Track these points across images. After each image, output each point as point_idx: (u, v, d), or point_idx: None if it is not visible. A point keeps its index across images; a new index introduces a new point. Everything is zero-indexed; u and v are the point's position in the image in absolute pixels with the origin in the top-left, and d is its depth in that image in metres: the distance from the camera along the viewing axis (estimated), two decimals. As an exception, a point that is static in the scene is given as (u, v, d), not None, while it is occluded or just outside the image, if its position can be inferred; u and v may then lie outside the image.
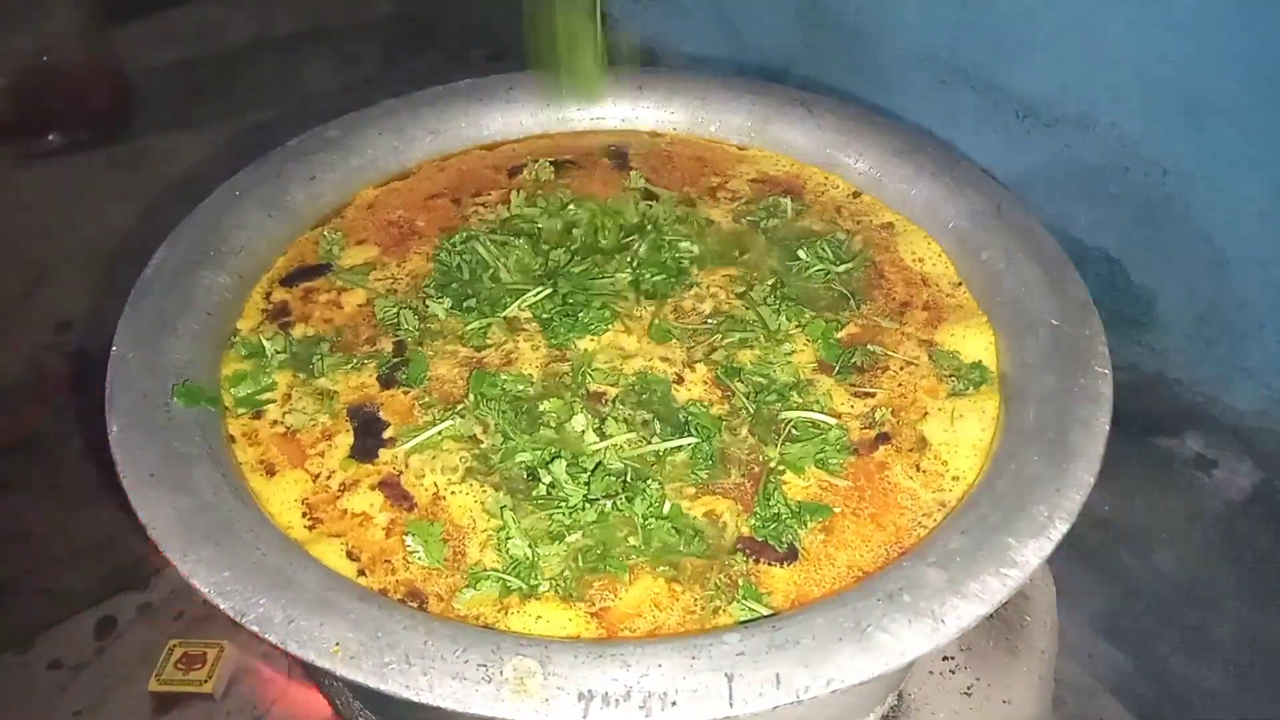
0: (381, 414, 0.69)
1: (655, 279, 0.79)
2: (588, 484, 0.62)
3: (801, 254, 0.80)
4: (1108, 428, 0.59)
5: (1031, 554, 0.52)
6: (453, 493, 0.64)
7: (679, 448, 0.65)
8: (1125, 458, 1.14)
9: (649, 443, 0.66)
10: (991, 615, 0.82)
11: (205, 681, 1.06)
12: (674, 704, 0.45)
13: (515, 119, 0.90)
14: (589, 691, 0.46)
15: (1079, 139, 1.02)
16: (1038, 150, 1.07)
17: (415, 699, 0.46)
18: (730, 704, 0.45)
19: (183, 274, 0.70)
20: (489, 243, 0.79)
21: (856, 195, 0.87)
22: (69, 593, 1.19)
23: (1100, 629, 1.25)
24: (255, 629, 0.49)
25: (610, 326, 0.75)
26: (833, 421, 0.68)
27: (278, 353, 0.71)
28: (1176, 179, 0.95)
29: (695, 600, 0.57)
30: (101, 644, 1.12)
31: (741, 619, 0.55)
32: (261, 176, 0.80)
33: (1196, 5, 0.87)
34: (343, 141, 0.83)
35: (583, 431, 0.66)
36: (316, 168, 0.81)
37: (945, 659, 0.80)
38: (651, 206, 0.84)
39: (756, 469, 0.66)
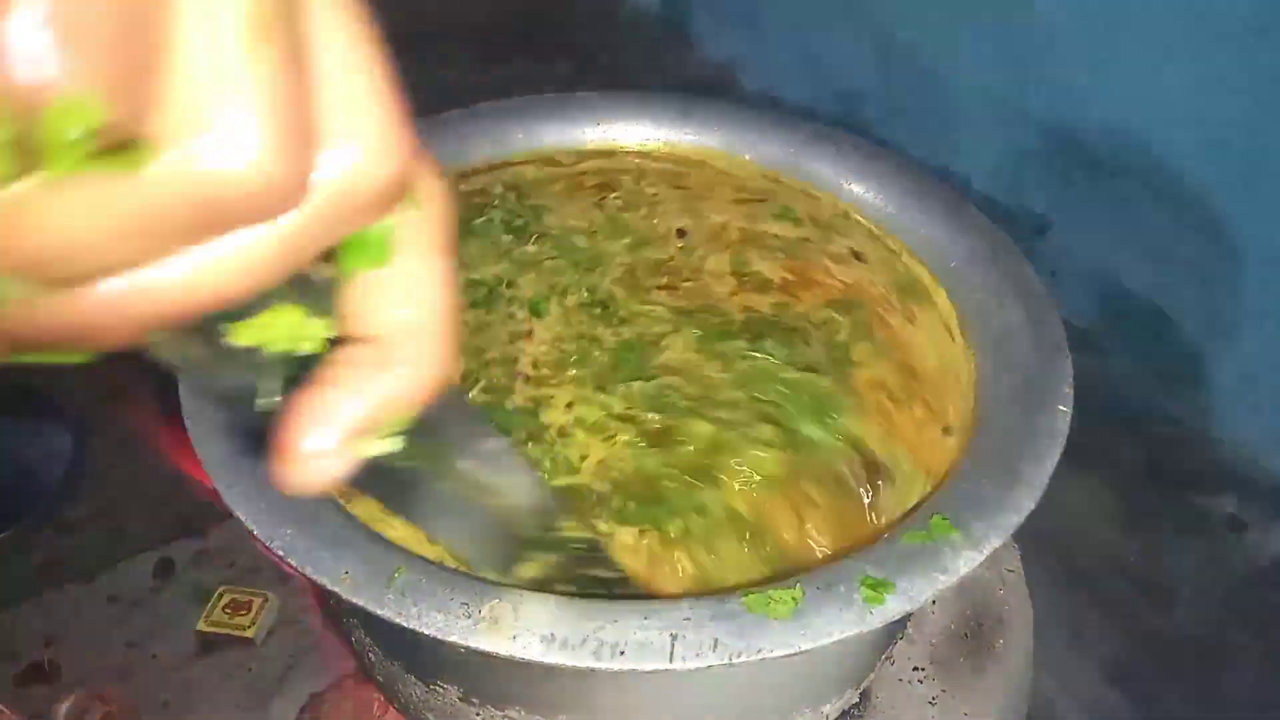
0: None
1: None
2: None
3: None
4: (1056, 461, 0.65)
5: (962, 563, 0.58)
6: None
7: None
8: (1157, 511, 1.18)
9: None
10: (966, 635, 0.88)
11: (248, 628, 1.15)
12: (622, 653, 0.53)
13: (570, 136, 0.98)
14: (551, 634, 0.53)
15: (1140, 192, 1.06)
16: (1099, 200, 1.11)
17: (404, 624, 0.54)
18: (670, 659, 0.52)
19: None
20: None
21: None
22: (134, 534, 1.29)
23: (1110, 677, 1.28)
24: (280, 554, 0.57)
25: None
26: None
27: None
28: (1234, 240, 0.98)
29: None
30: (157, 584, 1.21)
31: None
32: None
33: (1260, 68, 0.91)
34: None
35: None
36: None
37: (915, 669, 0.85)
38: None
39: None
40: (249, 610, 1.16)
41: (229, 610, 1.16)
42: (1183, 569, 1.18)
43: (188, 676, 1.12)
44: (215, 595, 1.17)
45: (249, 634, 1.14)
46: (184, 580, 1.22)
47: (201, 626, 1.15)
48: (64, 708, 1.05)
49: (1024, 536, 1.09)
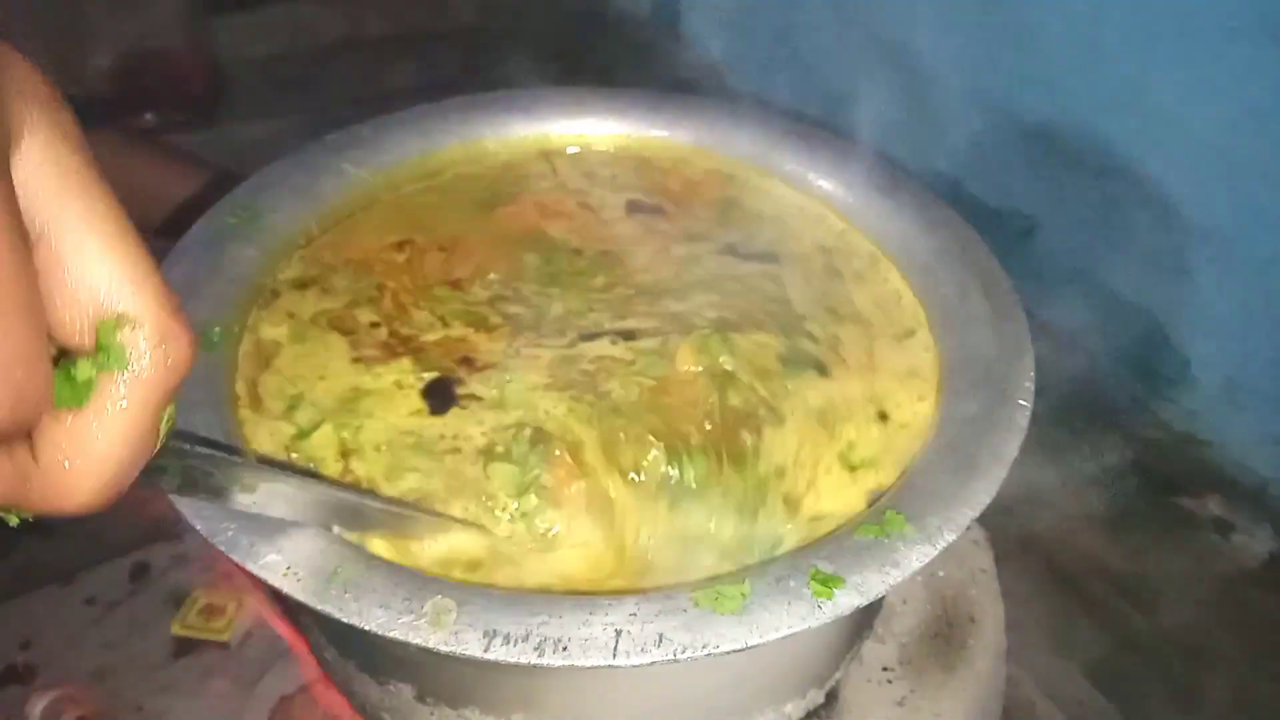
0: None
1: None
2: None
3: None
4: (1015, 454, 0.64)
5: (915, 558, 0.57)
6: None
7: None
8: (1143, 513, 1.17)
9: None
10: (936, 634, 0.87)
11: (223, 631, 1.14)
12: (564, 649, 0.52)
13: (537, 130, 0.98)
14: (493, 630, 0.52)
15: (1124, 193, 1.04)
16: (1084, 199, 1.10)
17: (346, 620, 0.53)
18: (614, 655, 0.52)
19: (214, 244, 0.79)
20: None
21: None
22: (111, 537, 1.28)
23: (1094, 678, 1.27)
24: (223, 549, 0.56)
25: None
26: None
27: None
28: (1218, 241, 0.97)
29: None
30: (134, 587, 1.21)
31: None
32: (298, 165, 0.88)
33: (1243, 70, 0.90)
34: (374, 139, 0.92)
35: None
36: (347, 161, 0.89)
37: (884, 669, 0.84)
38: None
39: None
40: (224, 614, 1.16)
41: (204, 614, 1.16)
42: (1168, 571, 1.17)
43: (162, 679, 1.11)
44: (191, 599, 1.17)
45: (224, 637, 1.14)
46: (160, 583, 1.21)
47: (177, 629, 1.14)
48: (38, 709, 1.05)
49: (1008, 537, 1.08)
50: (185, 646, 1.14)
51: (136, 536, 1.25)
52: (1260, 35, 0.88)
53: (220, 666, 1.12)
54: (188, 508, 0.58)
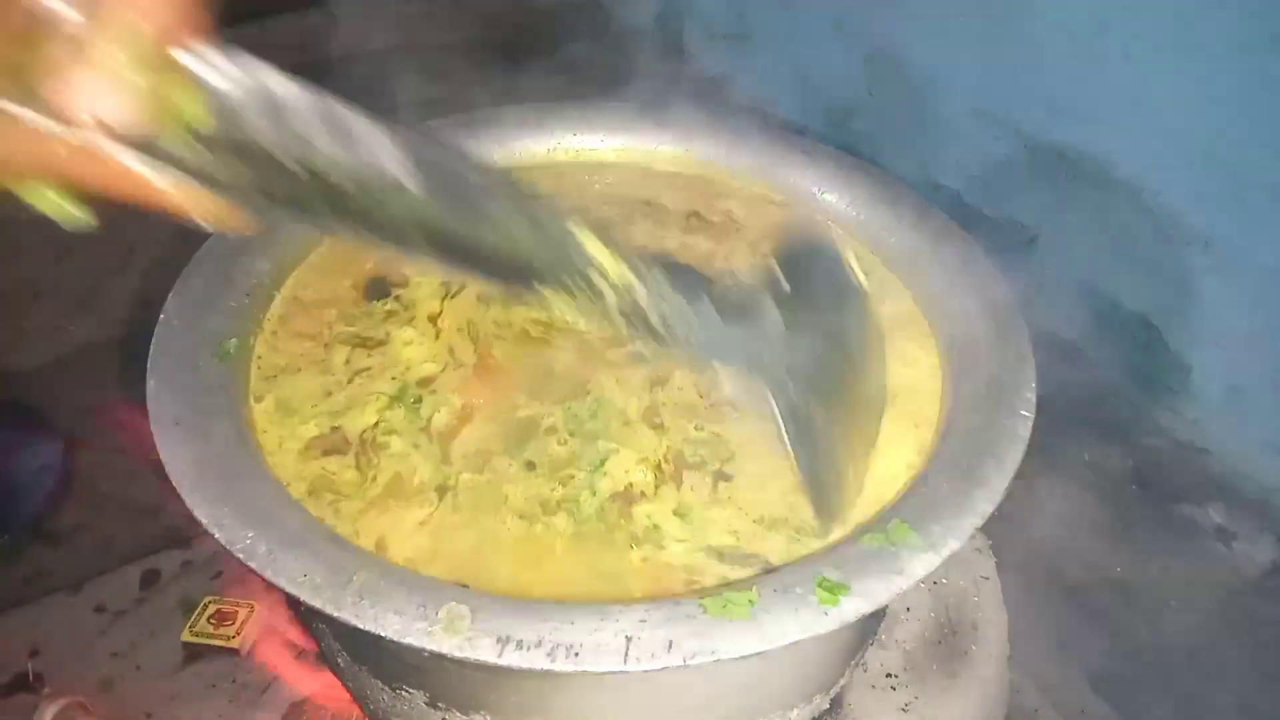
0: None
1: None
2: None
3: None
4: (1018, 463, 0.65)
5: (920, 566, 0.58)
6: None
7: None
8: (1145, 522, 1.18)
9: None
10: (940, 641, 0.88)
11: (233, 638, 1.14)
12: (576, 654, 0.53)
13: (541, 146, 0.99)
14: (506, 636, 0.53)
15: (1125, 204, 1.05)
16: (1085, 211, 1.11)
17: (361, 626, 0.54)
18: (625, 660, 0.53)
19: (228, 258, 0.80)
20: None
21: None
22: (121, 545, 1.29)
23: (1097, 686, 1.27)
24: (241, 557, 0.57)
25: None
26: None
27: None
28: (1219, 251, 0.98)
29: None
30: (144, 594, 1.21)
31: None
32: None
33: (1246, 82, 0.91)
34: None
35: None
36: (357, 175, 0.90)
37: (888, 675, 0.85)
38: None
39: None
40: (234, 620, 1.16)
41: (214, 620, 1.16)
42: (1170, 579, 1.18)
43: (172, 687, 1.11)
44: (201, 605, 1.17)
45: (234, 644, 1.14)
46: (170, 590, 1.22)
47: (186, 637, 1.15)
48: (48, 717, 1.05)
49: (1011, 546, 1.09)
50: (195, 654, 1.14)
51: (146, 544, 1.26)
52: (1261, 46, 0.89)
53: (230, 673, 1.12)
54: (207, 515, 0.59)
